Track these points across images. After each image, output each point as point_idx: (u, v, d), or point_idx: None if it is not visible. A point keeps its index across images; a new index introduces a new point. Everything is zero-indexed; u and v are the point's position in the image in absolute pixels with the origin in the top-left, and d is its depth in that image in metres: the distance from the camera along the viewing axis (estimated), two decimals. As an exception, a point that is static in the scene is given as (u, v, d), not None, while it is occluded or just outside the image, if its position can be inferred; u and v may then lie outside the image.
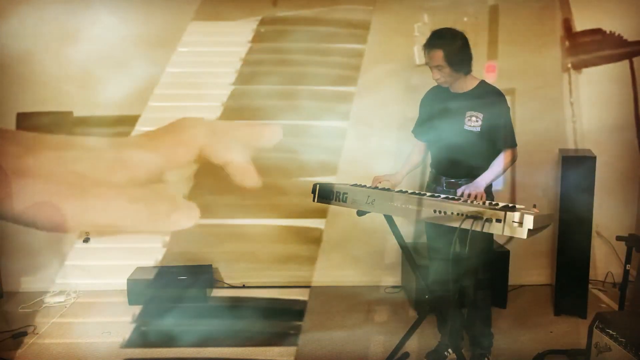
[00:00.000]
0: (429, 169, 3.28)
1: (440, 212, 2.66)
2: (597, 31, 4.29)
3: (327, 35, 4.28)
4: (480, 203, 2.73)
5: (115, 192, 4.27)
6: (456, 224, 2.59)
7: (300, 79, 4.29)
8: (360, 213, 2.98)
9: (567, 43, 4.29)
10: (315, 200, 3.11)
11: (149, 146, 4.30)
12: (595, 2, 4.27)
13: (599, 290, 4.35)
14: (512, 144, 3.02)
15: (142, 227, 4.35)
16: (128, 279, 4.16)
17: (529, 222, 2.43)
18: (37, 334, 3.69)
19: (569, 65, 4.32)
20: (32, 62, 4.19)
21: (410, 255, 3.11)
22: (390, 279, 4.50)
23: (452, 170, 3.09)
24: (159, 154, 4.30)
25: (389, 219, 3.02)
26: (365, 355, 3.39)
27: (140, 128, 4.30)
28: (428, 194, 2.93)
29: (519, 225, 2.45)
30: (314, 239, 4.45)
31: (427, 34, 3.00)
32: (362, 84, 4.31)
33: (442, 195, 2.87)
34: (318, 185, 3.11)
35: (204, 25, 4.27)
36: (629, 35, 4.28)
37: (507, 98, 3.03)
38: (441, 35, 2.94)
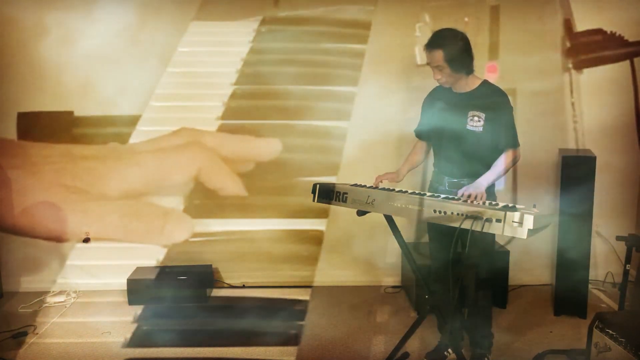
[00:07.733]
0: (432, 169, 3.28)
1: (440, 212, 2.66)
2: (598, 31, 4.29)
3: (327, 35, 4.28)
4: (480, 203, 2.74)
5: (111, 203, 4.32)
6: (456, 224, 2.59)
7: (301, 79, 4.29)
8: (361, 213, 2.98)
9: (567, 43, 4.30)
10: (316, 200, 3.12)
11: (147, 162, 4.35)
12: (595, 2, 4.27)
13: (599, 290, 4.35)
14: (514, 145, 3.01)
15: (137, 240, 4.39)
16: (128, 279, 4.16)
17: (529, 222, 2.43)
18: (37, 334, 3.69)
19: (570, 66, 4.32)
20: (33, 62, 4.19)
21: (410, 255, 3.11)
22: (390, 279, 4.49)
23: (454, 169, 3.08)
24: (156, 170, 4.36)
25: (389, 219, 3.02)
26: (365, 355, 3.39)
27: (140, 128, 4.30)
28: (428, 194, 2.93)
29: (519, 225, 2.45)
30: (314, 239, 4.45)
31: (428, 34, 3.00)
32: (362, 84, 4.31)
33: (442, 196, 2.88)
34: (318, 185, 3.11)
35: (205, 25, 4.27)
36: (629, 36, 4.28)
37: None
38: (442, 35, 2.94)
